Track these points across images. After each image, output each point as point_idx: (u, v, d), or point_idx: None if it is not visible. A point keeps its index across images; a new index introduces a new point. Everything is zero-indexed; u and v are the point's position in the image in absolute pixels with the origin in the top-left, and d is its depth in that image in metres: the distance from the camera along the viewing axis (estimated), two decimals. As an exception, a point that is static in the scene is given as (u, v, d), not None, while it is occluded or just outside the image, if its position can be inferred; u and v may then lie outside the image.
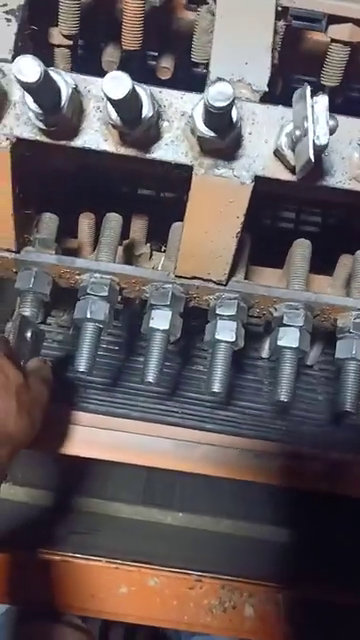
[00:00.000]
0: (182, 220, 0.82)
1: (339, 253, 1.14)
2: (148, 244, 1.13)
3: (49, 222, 0.92)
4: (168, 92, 0.72)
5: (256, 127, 0.73)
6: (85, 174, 1.12)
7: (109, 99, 0.58)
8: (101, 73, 1.03)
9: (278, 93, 1.07)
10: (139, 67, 1.20)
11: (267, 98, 0.76)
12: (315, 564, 1.17)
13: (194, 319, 1.11)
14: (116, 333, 1.25)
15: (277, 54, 0.88)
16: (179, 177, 0.80)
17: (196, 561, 1.00)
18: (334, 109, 0.77)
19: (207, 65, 0.88)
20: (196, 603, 1.00)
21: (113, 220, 0.93)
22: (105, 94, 0.58)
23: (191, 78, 1.08)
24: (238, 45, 0.75)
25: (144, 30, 0.89)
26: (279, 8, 0.79)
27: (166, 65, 1.00)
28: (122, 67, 1.04)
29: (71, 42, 0.91)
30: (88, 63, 1.15)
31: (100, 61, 1.03)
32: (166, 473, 1.04)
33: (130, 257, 1.11)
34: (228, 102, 0.57)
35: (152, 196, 1.27)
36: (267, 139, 0.73)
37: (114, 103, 0.60)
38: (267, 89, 0.74)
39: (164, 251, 1.12)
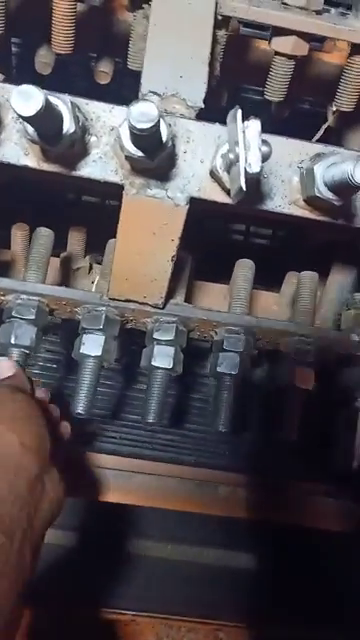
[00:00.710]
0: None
1: (286, 269, 1.12)
2: (87, 257, 1.08)
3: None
4: (95, 104, 0.66)
5: (191, 145, 0.68)
6: (18, 187, 1.05)
7: (19, 116, 0.52)
8: (35, 76, 0.99)
9: (224, 104, 1.03)
10: (78, 69, 1.14)
11: (210, 110, 0.71)
12: (261, 597, 1.13)
13: (135, 336, 1.07)
14: (54, 349, 1.19)
15: (218, 65, 0.83)
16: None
17: (133, 596, 0.95)
18: (279, 125, 0.74)
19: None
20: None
21: (43, 235, 0.87)
22: (14, 110, 0.51)
23: (135, 83, 1.02)
24: (173, 56, 0.70)
25: (80, 32, 0.82)
26: (219, 17, 0.74)
27: (105, 69, 0.94)
28: (58, 69, 0.97)
29: (-2, 42, 0.84)
30: (24, 63, 1.08)
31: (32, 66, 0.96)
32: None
33: (67, 271, 1.05)
34: (152, 124, 0.52)
35: (94, 203, 1.21)
36: (203, 158, 0.68)
37: (26, 120, 0.54)
38: (203, 105, 0.69)
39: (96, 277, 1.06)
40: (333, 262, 1.01)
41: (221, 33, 0.78)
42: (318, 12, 0.77)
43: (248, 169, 0.54)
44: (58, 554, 1.05)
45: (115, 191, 0.70)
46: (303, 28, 0.78)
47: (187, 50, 0.70)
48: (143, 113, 0.52)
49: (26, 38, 1.00)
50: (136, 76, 0.83)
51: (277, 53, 0.84)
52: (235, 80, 1.01)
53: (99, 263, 1.10)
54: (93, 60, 1.00)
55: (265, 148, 0.56)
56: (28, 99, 0.50)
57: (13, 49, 1.06)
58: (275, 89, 0.86)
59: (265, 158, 0.57)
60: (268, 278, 1.24)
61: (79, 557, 1.05)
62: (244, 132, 0.54)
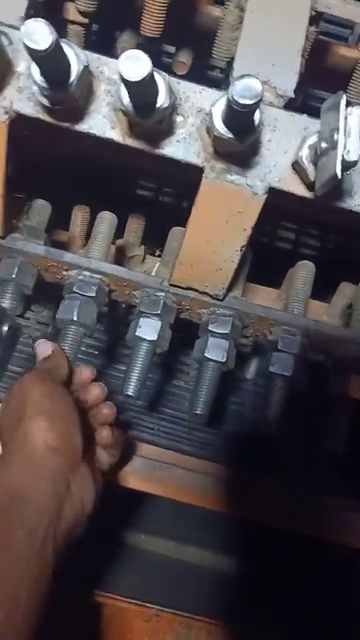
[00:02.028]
0: (182, 225, 0.76)
1: (339, 280, 1.10)
2: (142, 246, 1.07)
3: (41, 210, 0.85)
4: (186, 84, 0.66)
5: (276, 135, 0.67)
6: (84, 167, 1.06)
7: (124, 80, 0.52)
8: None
9: (297, 106, 1.02)
10: (154, 61, 1.15)
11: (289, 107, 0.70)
12: (283, 606, 1.10)
13: (180, 331, 1.06)
14: (97, 337, 1.18)
15: (304, 62, 0.83)
16: (182, 181, 0.74)
17: (154, 593, 0.92)
18: None
19: (229, 63, 0.83)
20: (150, 638, 0.93)
21: (107, 218, 0.87)
22: (120, 74, 0.51)
23: (205, 80, 1.02)
24: (267, 44, 0.69)
25: (165, 19, 0.83)
26: (313, 12, 0.74)
27: (183, 60, 0.94)
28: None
29: (87, 20, 0.85)
30: (101, 48, 1.09)
31: (114, 48, 0.97)
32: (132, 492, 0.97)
33: (122, 258, 1.05)
34: (255, 100, 0.52)
35: (151, 198, 1.21)
36: (287, 149, 0.67)
37: (129, 85, 0.53)
38: (293, 95, 0.68)
39: (158, 255, 1.06)
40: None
41: (312, 29, 0.78)
42: None
43: (346, 157, 0.53)
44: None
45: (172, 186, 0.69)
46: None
47: (282, 39, 0.69)
48: (247, 88, 0.51)
49: (108, 21, 1.00)
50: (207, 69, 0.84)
51: (363, 56, 0.83)
52: (311, 83, 1.01)
53: (152, 254, 1.10)
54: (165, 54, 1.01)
55: (364, 138, 0.55)
56: (137, 63, 0.50)
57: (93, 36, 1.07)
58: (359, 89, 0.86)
59: (363, 148, 0.56)
60: (319, 287, 1.23)
61: (104, 548, 1.03)
62: (346, 118, 0.53)
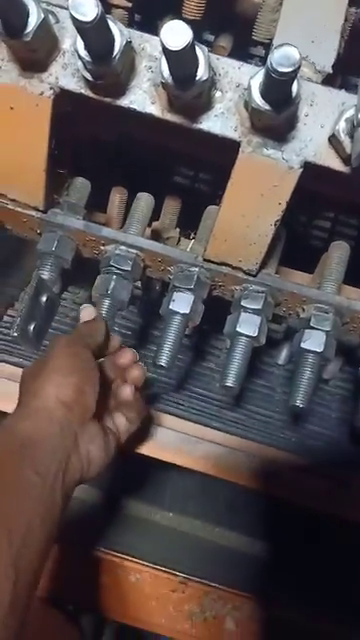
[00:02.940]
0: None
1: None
2: (177, 229, 1.10)
3: (80, 187, 0.88)
4: (225, 60, 0.68)
5: (314, 109, 0.68)
6: (125, 150, 1.09)
7: (165, 50, 0.54)
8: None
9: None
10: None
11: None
12: (308, 589, 1.11)
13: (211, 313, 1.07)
14: (131, 318, 1.21)
15: (343, 44, 0.84)
16: (218, 167, 0.75)
17: (181, 564, 0.94)
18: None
19: (268, 46, 0.85)
20: (176, 607, 0.95)
21: (144, 199, 0.89)
22: (163, 44, 0.54)
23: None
24: (306, 22, 0.71)
25: (207, 2, 0.85)
26: (353, -7, 0.75)
27: (223, 44, 0.96)
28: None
29: (130, 4, 0.87)
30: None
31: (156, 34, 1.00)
32: (158, 469, 1.00)
33: (157, 239, 1.07)
34: (293, 68, 0.53)
35: (186, 184, 1.23)
36: (324, 124, 0.69)
37: (170, 55, 0.56)
38: (331, 71, 0.69)
39: (192, 238, 1.08)
40: None
41: (352, 10, 0.78)
42: None
43: (382, 124, 0.54)
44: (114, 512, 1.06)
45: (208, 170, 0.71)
46: None
47: (321, 17, 0.71)
48: (286, 56, 0.52)
49: (150, 10, 1.03)
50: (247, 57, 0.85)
51: None
52: (349, 70, 1.01)
53: (187, 237, 1.12)
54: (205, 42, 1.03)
55: None
56: (179, 32, 0.52)
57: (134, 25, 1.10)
58: None
59: None
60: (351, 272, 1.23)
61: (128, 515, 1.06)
62: (383, 87, 0.54)
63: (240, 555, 1.17)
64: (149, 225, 1.07)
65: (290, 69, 0.53)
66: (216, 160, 0.91)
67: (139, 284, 1.22)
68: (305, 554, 1.20)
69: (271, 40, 0.81)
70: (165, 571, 0.91)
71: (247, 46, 0.95)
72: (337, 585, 1.10)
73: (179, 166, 1.16)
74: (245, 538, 1.19)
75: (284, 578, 1.11)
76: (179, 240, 1.10)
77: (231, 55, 1.00)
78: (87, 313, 0.80)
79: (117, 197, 1.04)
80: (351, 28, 0.81)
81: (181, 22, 0.53)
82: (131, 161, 1.09)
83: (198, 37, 1.02)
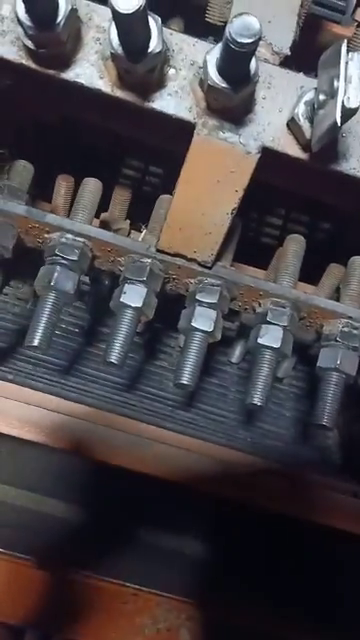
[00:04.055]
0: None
1: (327, 262, 1.08)
2: (127, 220, 1.05)
3: (23, 171, 0.82)
4: (179, 36, 0.64)
5: (271, 92, 0.65)
6: (69, 135, 1.03)
7: (116, 14, 0.49)
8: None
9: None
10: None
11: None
12: (262, 594, 1.08)
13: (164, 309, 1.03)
14: (79, 315, 1.15)
15: (299, 30, 0.81)
16: (172, 153, 0.71)
17: (136, 575, 0.89)
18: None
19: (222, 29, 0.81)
20: (128, 620, 0.90)
21: (92, 184, 0.84)
22: (113, 7, 0.49)
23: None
24: (262, 2, 0.67)
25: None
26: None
27: (175, 27, 0.92)
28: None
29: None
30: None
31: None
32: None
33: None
34: (253, 39, 0.49)
35: (137, 174, 1.18)
36: (282, 107, 0.65)
37: (120, 20, 0.51)
38: (289, 52, 0.66)
39: (144, 230, 1.03)
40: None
41: (307, -6, 0.76)
42: None
43: (346, 103, 0.51)
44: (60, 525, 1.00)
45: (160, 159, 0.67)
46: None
47: (278, -3, 0.67)
48: (245, 26, 0.49)
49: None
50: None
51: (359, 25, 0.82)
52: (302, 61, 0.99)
53: (138, 230, 1.07)
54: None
55: (363, 87, 0.53)
56: (129, -7, 0.47)
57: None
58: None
59: (363, 97, 0.54)
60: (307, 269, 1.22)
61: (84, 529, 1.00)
62: (347, 64, 0.51)
63: (189, 559, 1.13)
64: (97, 216, 1.01)
65: (250, 40, 0.49)
66: (170, 147, 0.87)
67: (87, 278, 1.17)
68: (258, 558, 1.18)
69: (225, 23, 0.77)
70: (116, 583, 0.85)
71: (200, 30, 0.90)
72: (295, 588, 1.08)
73: (130, 153, 1.11)
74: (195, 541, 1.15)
75: (237, 584, 1.08)
76: (130, 232, 1.05)
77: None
78: None
79: (63, 185, 0.98)
80: (306, 14, 0.79)
81: (132, -17, 0.48)
82: (78, 148, 1.03)
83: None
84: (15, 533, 0.90)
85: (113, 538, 0.97)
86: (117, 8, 0.48)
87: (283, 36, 0.67)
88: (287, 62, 0.84)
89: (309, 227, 1.24)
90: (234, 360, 1.19)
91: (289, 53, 0.67)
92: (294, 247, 0.87)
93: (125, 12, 0.48)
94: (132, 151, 1.10)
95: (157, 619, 0.90)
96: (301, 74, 0.65)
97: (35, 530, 0.95)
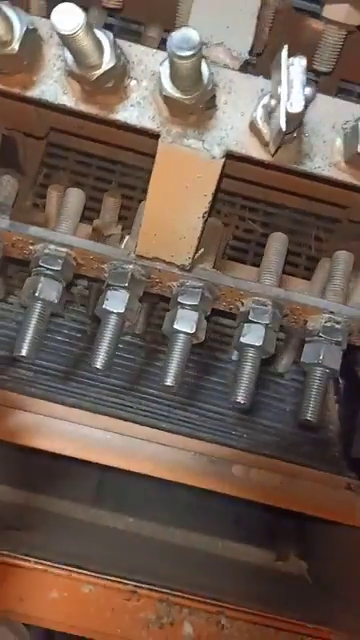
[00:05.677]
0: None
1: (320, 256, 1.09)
2: (120, 226, 1.07)
3: (7, 185, 0.85)
4: (138, 47, 0.65)
5: (232, 97, 0.66)
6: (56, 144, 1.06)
7: (59, 34, 0.51)
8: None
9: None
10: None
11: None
12: (269, 588, 1.09)
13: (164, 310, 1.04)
14: (79, 319, 1.18)
15: (267, 32, 0.82)
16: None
17: (137, 571, 0.91)
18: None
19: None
20: (131, 616, 0.92)
21: (74, 194, 0.86)
22: (55, 28, 0.51)
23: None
24: (220, 7, 0.68)
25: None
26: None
27: (152, 35, 0.94)
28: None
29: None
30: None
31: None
32: (119, 474, 0.97)
33: (99, 237, 1.04)
34: (193, 52, 0.51)
35: (126, 179, 1.20)
36: (244, 111, 0.66)
37: (65, 40, 0.53)
38: (248, 57, 0.67)
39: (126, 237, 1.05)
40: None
41: (272, -6, 0.77)
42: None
43: (289, 108, 0.52)
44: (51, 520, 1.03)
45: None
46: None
47: (236, 1, 0.68)
48: (184, 39, 0.50)
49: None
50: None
51: (329, 22, 0.82)
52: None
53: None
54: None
55: (309, 89, 0.54)
56: (69, 16, 0.49)
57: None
58: (324, 59, 0.84)
59: (308, 100, 0.55)
60: (300, 264, 1.22)
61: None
62: (288, 69, 0.52)
63: (201, 555, 1.15)
64: (91, 223, 1.04)
65: (190, 52, 0.51)
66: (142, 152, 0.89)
67: (85, 283, 1.20)
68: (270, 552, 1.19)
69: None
70: (116, 581, 0.87)
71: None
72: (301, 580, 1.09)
73: (117, 160, 1.13)
74: (203, 537, 1.17)
75: (245, 578, 1.09)
76: (122, 237, 1.07)
77: (162, 46, 0.98)
78: None
79: (54, 195, 1.01)
80: (274, 14, 0.80)
81: (71, 4, 0.50)
82: (67, 156, 1.06)
83: (125, 28, 1.01)
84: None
85: (111, 534, 1.00)
86: (57, 29, 0.51)
87: (242, 41, 0.67)
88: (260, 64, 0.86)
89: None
90: (234, 357, 1.20)
91: (248, 57, 0.67)
92: (276, 245, 0.88)
93: (65, 33, 0.50)
94: (119, 156, 1.12)
95: (160, 614, 0.93)
96: (260, 77, 0.66)
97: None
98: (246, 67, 0.69)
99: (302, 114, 0.54)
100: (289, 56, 0.54)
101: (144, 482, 1.17)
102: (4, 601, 0.94)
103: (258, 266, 1.05)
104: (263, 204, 1.23)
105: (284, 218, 1.22)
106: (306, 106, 0.55)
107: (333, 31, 0.82)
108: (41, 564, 0.88)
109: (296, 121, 0.56)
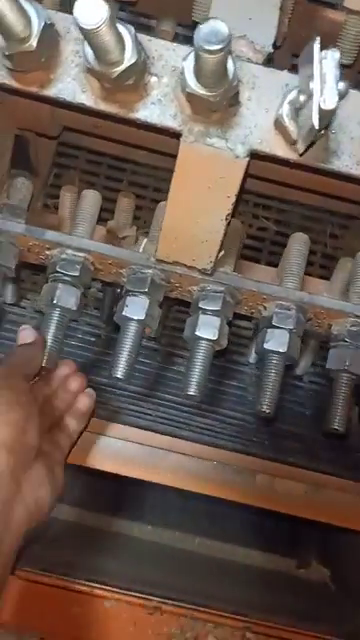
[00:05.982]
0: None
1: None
2: (134, 227, 1.04)
3: (22, 188, 0.82)
4: (158, 42, 0.62)
5: (256, 93, 0.63)
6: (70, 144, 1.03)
7: (81, 29, 0.49)
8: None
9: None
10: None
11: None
12: (293, 597, 1.06)
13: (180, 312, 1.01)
14: (93, 323, 1.15)
15: (287, 22, 0.79)
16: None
17: (159, 583, 0.89)
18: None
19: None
20: (155, 631, 0.90)
21: (90, 196, 0.84)
22: (77, 22, 0.48)
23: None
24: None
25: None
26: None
27: (166, 28, 0.91)
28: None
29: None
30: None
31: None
32: (136, 482, 0.94)
33: (113, 239, 1.02)
34: (221, 45, 0.48)
35: (141, 179, 1.18)
36: (268, 108, 0.63)
37: (87, 35, 0.50)
38: (272, 50, 0.64)
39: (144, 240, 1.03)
40: None
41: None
42: None
43: (322, 105, 0.49)
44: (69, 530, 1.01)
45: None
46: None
47: (259, -7, 0.65)
48: (213, 32, 0.47)
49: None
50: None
51: (350, 12, 0.79)
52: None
53: (146, 235, 1.06)
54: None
55: (343, 84, 0.51)
56: (92, 9, 0.47)
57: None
58: (345, 51, 0.81)
59: (342, 95, 0.51)
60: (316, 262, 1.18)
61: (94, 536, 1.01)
62: (321, 63, 0.49)
63: (223, 564, 1.12)
64: (104, 225, 1.01)
65: (219, 46, 0.48)
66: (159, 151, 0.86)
67: (99, 285, 1.17)
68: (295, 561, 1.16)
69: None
70: (139, 596, 0.85)
71: (191, 28, 0.89)
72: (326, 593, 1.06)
73: (129, 158, 1.10)
74: (226, 546, 1.14)
75: (270, 588, 1.07)
76: (137, 239, 1.04)
77: (177, 39, 0.95)
78: (24, 335, 0.74)
79: (67, 196, 0.98)
80: (294, 5, 0.77)
81: (96, -2, 0.47)
82: (78, 155, 1.03)
83: (137, 22, 0.98)
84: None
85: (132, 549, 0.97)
86: (80, 24, 0.48)
87: (265, 33, 0.64)
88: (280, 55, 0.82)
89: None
90: (251, 360, 1.17)
91: (271, 50, 0.64)
92: (297, 246, 0.85)
93: (88, 27, 0.48)
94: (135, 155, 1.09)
95: (184, 628, 0.90)
96: (285, 71, 0.63)
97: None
98: (267, 61, 0.66)
99: (335, 110, 0.51)
100: (321, 49, 0.50)
101: (161, 490, 1.15)
102: (24, 617, 0.92)
103: (273, 265, 1.03)
104: (277, 201, 1.20)
105: (298, 215, 1.19)
106: (340, 101, 0.52)
107: (355, 22, 0.79)
108: (61, 580, 0.85)
109: (328, 118, 0.53)
